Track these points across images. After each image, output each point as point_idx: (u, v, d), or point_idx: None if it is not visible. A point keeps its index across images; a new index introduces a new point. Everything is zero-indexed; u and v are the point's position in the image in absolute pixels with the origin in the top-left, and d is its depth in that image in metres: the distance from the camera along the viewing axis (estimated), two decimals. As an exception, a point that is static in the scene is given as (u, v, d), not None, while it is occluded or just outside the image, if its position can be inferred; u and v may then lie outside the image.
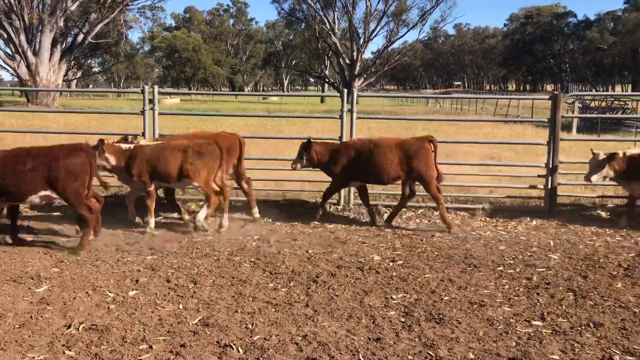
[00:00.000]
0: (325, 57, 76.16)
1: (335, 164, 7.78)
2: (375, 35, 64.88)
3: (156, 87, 8.85)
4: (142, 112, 8.82)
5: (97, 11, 43.38)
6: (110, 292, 5.11)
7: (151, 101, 8.79)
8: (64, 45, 42.96)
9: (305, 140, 7.83)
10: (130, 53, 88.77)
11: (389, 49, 71.33)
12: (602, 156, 7.61)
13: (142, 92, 8.80)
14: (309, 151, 7.81)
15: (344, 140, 8.51)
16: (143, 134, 8.87)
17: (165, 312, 4.69)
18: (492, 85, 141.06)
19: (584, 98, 34.26)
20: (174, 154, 7.05)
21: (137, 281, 5.43)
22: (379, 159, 7.54)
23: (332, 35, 63.46)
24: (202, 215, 7.23)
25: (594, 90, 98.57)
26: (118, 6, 43.75)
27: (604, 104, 32.69)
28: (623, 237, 7.34)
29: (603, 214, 8.34)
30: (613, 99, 33.12)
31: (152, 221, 7.26)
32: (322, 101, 64.88)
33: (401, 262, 6.17)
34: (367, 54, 73.67)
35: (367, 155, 7.61)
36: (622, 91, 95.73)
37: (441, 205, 7.60)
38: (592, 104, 33.05)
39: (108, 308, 4.74)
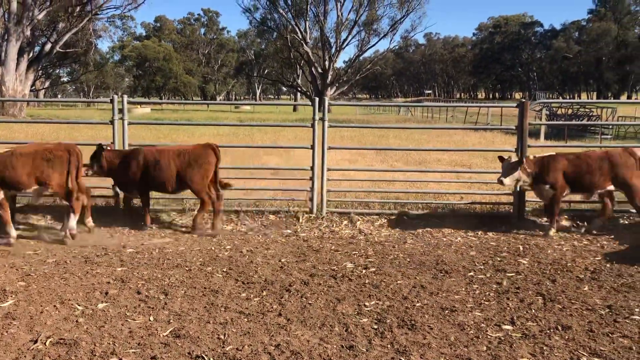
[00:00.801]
0: (298, 66, 76.46)
1: (124, 172, 7.76)
2: (347, 45, 65.42)
3: (125, 97, 8.76)
4: (112, 122, 8.71)
5: (65, 20, 42.76)
6: (79, 305, 5.01)
7: (121, 111, 8.70)
8: (31, 54, 42.13)
9: (97, 147, 7.77)
10: (99, 62, 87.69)
11: (361, 58, 72.05)
12: (514, 159, 7.59)
13: (112, 101, 8.69)
14: (99, 158, 7.74)
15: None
16: (113, 144, 8.75)
17: (135, 324, 4.62)
18: (462, 94, 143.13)
19: (551, 106, 35.01)
20: (22, 161, 6.89)
21: (106, 293, 5.34)
22: (162, 167, 7.64)
23: (304, 45, 63.71)
24: (72, 222, 7.17)
25: (560, 97, 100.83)
26: (87, 15, 43.24)
27: (570, 111, 33.45)
28: (590, 241, 7.50)
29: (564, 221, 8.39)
30: (579, 107, 33.93)
31: (12, 231, 7.05)
32: (294, 110, 64.98)
33: (374, 269, 6.19)
34: (339, 63, 74.34)
35: (153, 163, 7.68)
36: (588, 99, 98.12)
37: (202, 211, 7.81)
38: (559, 112, 33.79)
39: (76, 321, 4.65)
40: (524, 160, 7.56)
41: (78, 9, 42.19)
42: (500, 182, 7.48)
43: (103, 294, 5.32)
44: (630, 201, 7.69)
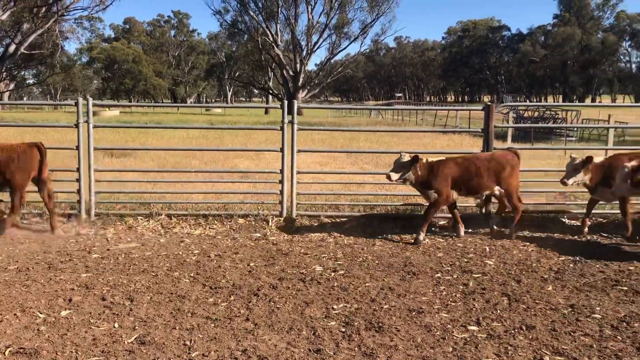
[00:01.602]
0: (269, 69, 76.27)
1: None
2: (318, 48, 65.65)
3: (90, 99, 8.60)
4: (77, 125, 8.55)
5: (30, 21, 41.88)
6: (40, 313, 4.89)
7: (86, 114, 8.55)
8: (-6, 56, 41.17)
9: None
10: (66, 64, 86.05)
11: (332, 61, 72.34)
12: (406, 158, 7.38)
13: (76, 104, 8.54)
14: None
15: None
16: (77, 147, 8.60)
17: (99, 331, 4.53)
18: (432, 97, 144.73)
19: (518, 108, 35.66)
20: None
21: (70, 300, 5.23)
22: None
23: (275, 47, 63.64)
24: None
25: (528, 100, 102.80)
26: (53, 16, 42.42)
27: (536, 114, 34.13)
28: (554, 241, 7.64)
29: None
30: (545, 110, 34.64)
31: None
32: (266, 112, 64.77)
33: (342, 271, 6.20)
34: (311, 66, 74.31)
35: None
36: (554, 102, 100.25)
37: (50, 212, 7.87)
38: (526, 114, 34.45)
39: (38, 330, 4.54)
40: (417, 160, 7.38)
41: (43, 9, 41.38)
42: (388, 176, 7.35)
43: (66, 301, 5.21)
44: (508, 200, 7.78)
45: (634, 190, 7.47)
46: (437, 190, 7.49)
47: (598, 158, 7.77)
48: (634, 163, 7.35)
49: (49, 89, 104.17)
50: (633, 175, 7.20)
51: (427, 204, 7.79)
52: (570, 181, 7.43)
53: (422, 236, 7.53)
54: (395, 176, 7.34)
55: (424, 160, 7.52)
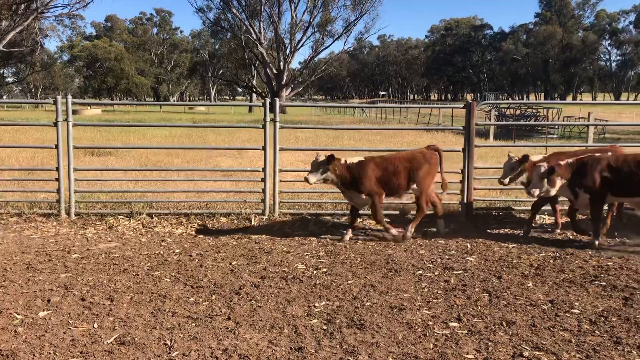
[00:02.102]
0: (253, 67, 76.06)
1: None
2: (302, 46, 65.60)
3: (69, 98, 8.49)
4: (56, 124, 8.44)
5: (8, 18, 41.24)
6: (18, 314, 4.82)
7: (65, 112, 8.44)
8: (-28, 53, 40.54)
9: None
10: (47, 63, 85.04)
11: (316, 59, 72.25)
12: (321, 158, 7.20)
13: (55, 102, 8.43)
14: None
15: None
16: (56, 146, 8.50)
17: (78, 332, 4.48)
18: (416, 95, 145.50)
19: (500, 106, 35.95)
20: None
21: (48, 301, 5.16)
22: None
23: (259, 45, 63.45)
24: None
25: (510, 98, 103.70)
26: (32, 13, 41.81)
27: (518, 111, 34.44)
28: (534, 237, 7.71)
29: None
30: (527, 107, 34.98)
31: None
32: (250, 111, 64.65)
33: (325, 269, 6.20)
34: (295, 64, 74.13)
35: None
36: (536, 99, 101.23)
37: None
38: (508, 112, 34.74)
39: (15, 331, 4.47)
40: (334, 161, 7.17)
41: (22, 6, 40.78)
42: (306, 179, 7.18)
43: (45, 302, 5.14)
44: (417, 198, 7.65)
45: (550, 189, 7.09)
46: (370, 190, 7.31)
47: (535, 157, 7.65)
48: (563, 162, 7.17)
49: (29, 87, 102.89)
50: (549, 175, 6.95)
51: (351, 205, 7.71)
52: (507, 180, 7.34)
53: (393, 231, 7.49)
54: (313, 178, 7.14)
55: (342, 161, 7.31)
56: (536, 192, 6.97)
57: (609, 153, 7.43)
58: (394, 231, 7.52)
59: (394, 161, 7.49)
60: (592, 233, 7.29)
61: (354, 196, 7.48)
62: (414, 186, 7.53)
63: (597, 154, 7.39)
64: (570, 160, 7.17)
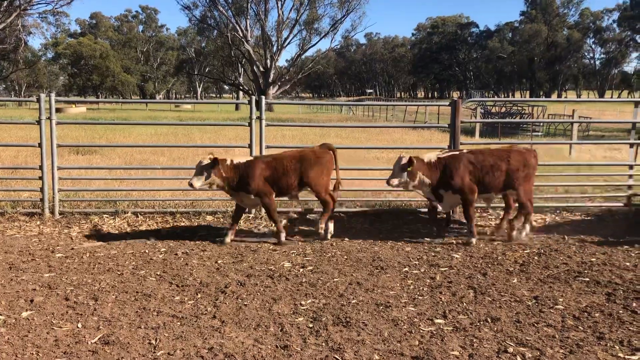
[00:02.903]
0: (239, 65, 75.79)
1: None
2: (289, 43, 65.52)
3: (52, 95, 8.40)
4: (39, 122, 8.35)
5: (-9, 15, 40.74)
6: (0, 315, 4.76)
7: (49, 110, 8.35)
8: (-47, 51, 39.96)
9: None
10: (31, 60, 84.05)
11: (303, 57, 72.34)
12: (205, 161, 6.90)
13: (38, 100, 8.33)
14: None
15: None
16: (40, 145, 8.40)
17: (62, 332, 4.44)
18: (403, 93, 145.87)
19: (486, 104, 36.15)
20: None
21: (31, 301, 5.11)
22: None
23: (245, 43, 63.25)
24: None
25: (496, 96, 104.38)
26: (15, 10, 41.29)
27: (504, 109, 34.66)
28: (519, 233, 7.75)
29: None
30: (512, 105, 35.21)
31: None
32: (237, 108, 64.40)
33: (311, 267, 6.20)
34: (281, 62, 74.15)
35: None
36: (522, 97, 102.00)
37: None
38: (493, 110, 34.95)
39: (-3, 332, 4.42)
40: (219, 163, 6.89)
41: (5, 3, 40.24)
42: (190, 184, 6.88)
43: (28, 302, 5.09)
44: (318, 197, 7.41)
45: (410, 181, 7.12)
46: (260, 192, 7.06)
47: (430, 155, 7.37)
48: (430, 155, 7.24)
49: (12, 85, 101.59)
50: (408, 168, 7.00)
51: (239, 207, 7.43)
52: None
53: (282, 236, 7.25)
54: (197, 183, 6.87)
55: (229, 162, 7.03)
56: (394, 182, 7.10)
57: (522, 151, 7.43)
58: (282, 235, 7.23)
59: (284, 160, 7.23)
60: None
61: (243, 197, 7.19)
62: (307, 186, 7.29)
63: (457, 152, 7.43)
64: (436, 157, 7.27)
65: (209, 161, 6.87)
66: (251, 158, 7.33)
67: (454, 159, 7.22)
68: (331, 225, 7.50)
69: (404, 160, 7.01)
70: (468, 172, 7.14)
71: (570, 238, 7.49)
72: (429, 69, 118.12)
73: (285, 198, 7.69)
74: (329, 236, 7.42)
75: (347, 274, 5.95)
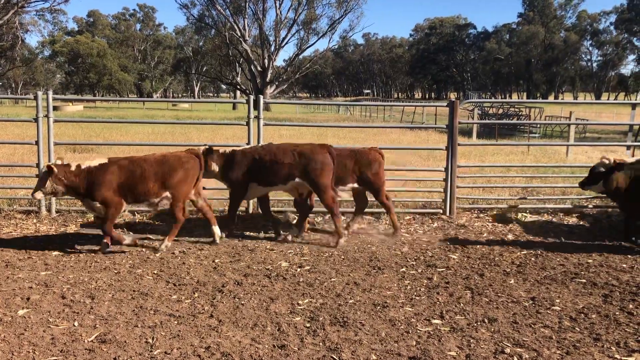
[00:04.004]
0: (237, 64, 75.70)
1: None
2: (286, 43, 65.55)
3: (50, 93, 8.38)
4: (36, 120, 8.32)
5: (-12, 12, 40.60)
6: (-4, 313, 4.75)
7: (46, 108, 8.33)
8: (-50, 48, 39.81)
9: None
10: (28, 58, 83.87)
11: (300, 57, 72.17)
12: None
13: (35, 98, 8.31)
14: None
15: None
16: (37, 143, 8.38)
17: (58, 330, 4.43)
18: (400, 94, 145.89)
19: (483, 105, 36.21)
20: None
21: (28, 299, 5.09)
22: None
23: (243, 42, 63.18)
24: None
25: (493, 97, 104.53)
26: (12, 8, 41.17)
27: (501, 110, 34.72)
28: (517, 236, 7.78)
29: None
30: (509, 106, 35.27)
31: None
32: (234, 108, 64.32)
33: (308, 267, 6.20)
34: (279, 62, 74.06)
35: None
36: (518, 98, 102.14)
37: None
38: (491, 111, 35.01)
39: (-7, 330, 4.40)
40: (55, 170, 6.37)
41: (2, 0, 40.11)
42: (33, 195, 6.47)
43: (24, 300, 5.07)
44: (171, 207, 6.77)
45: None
46: (104, 198, 6.47)
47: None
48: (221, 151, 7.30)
49: (9, 82, 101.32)
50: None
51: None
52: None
53: (164, 245, 6.78)
54: (39, 194, 6.44)
55: (74, 167, 6.51)
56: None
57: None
58: (110, 245, 6.71)
59: (143, 164, 6.64)
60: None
61: (92, 205, 6.58)
62: (167, 193, 6.68)
63: (248, 147, 7.48)
64: (222, 151, 7.32)
65: (46, 169, 6.40)
66: (105, 161, 6.67)
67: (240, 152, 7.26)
68: (217, 228, 7.07)
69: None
70: None
71: (566, 240, 7.51)
72: (427, 70, 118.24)
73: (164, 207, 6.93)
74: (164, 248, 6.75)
75: (345, 274, 5.95)
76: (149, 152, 7.22)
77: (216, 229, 7.13)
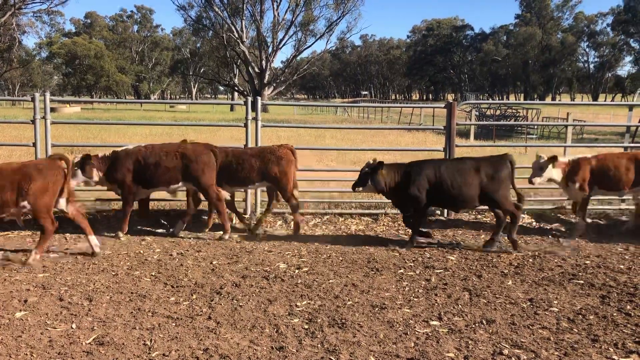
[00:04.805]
0: (235, 66, 75.62)
1: None
2: (284, 45, 65.32)
3: (47, 95, 8.36)
4: (33, 121, 8.31)
5: (-15, 14, 40.53)
6: (-7, 315, 4.73)
7: (43, 109, 8.30)
8: (-54, 49, 39.73)
9: None
10: (25, 59, 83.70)
11: (298, 58, 72.14)
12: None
13: (33, 100, 8.29)
14: None
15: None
16: (34, 144, 8.36)
17: (56, 332, 4.42)
18: (398, 95, 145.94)
19: (481, 106, 36.25)
20: None
21: (25, 301, 5.08)
22: None
23: (241, 44, 63.12)
24: None
25: (490, 99, 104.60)
26: (10, 9, 41.10)
27: (498, 112, 34.77)
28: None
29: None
30: (506, 108, 35.32)
31: None
32: (232, 109, 64.26)
33: (307, 268, 6.19)
34: (277, 63, 74.12)
35: None
36: (516, 100, 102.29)
37: None
38: (488, 112, 35.05)
39: (-9, 332, 4.39)
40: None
41: (0, 2, 40.05)
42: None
43: (22, 302, 5.06)
44: (36, 218, 6.26)
45: (88, 179, 7.32)
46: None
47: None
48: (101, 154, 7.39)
49: (6, 84, 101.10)
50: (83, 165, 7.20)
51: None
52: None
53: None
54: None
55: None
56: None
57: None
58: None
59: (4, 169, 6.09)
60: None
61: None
62: (24, 203, 6.04)
63: (132, 147, 7.50)
64: (102, 154, 7.40)
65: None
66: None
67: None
68: (94, 238, 6.63)
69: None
70: None
71: (564, 240, 7.52)
72: (424, 71, 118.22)
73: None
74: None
75: (343, 276, 5.95)
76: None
77: (92, 239, 6.58)
